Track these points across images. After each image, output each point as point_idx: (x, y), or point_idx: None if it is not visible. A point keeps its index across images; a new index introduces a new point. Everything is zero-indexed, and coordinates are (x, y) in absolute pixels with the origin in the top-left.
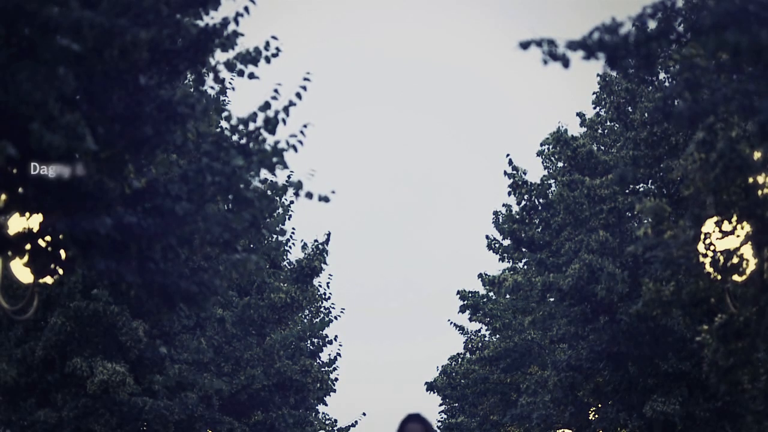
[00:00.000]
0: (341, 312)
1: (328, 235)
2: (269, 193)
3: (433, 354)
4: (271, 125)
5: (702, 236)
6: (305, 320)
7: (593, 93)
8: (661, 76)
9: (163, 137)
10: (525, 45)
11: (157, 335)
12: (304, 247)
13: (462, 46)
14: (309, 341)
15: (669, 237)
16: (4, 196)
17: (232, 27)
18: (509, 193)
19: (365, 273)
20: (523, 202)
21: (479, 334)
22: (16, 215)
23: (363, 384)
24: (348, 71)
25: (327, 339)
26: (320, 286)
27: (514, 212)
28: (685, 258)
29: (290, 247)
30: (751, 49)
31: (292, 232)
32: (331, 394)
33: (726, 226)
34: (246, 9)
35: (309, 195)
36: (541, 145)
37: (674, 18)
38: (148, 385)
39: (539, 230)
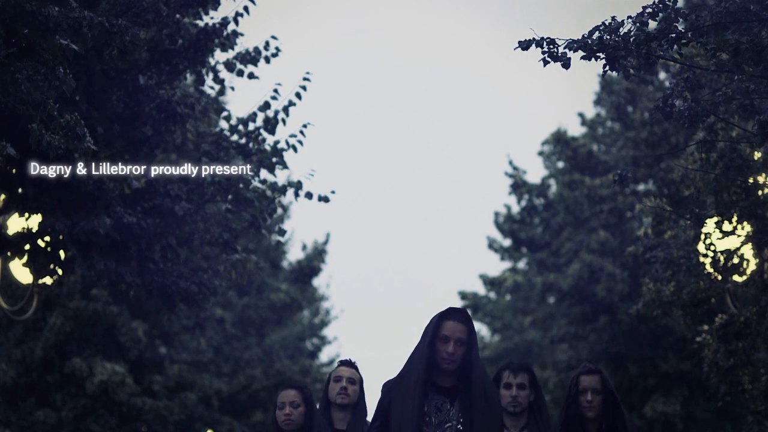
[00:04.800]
0: (341, 312)
1: (328, 235)
2: (269, 193)
3: None
4: (271, 125)
5: (702, 236)
6: (305, 320)
7: (593, 93)
8: (661, 76)
9: (162, 137)
10: (525, 45)
11: (156, 335)
12: (304, 247)
13: (462, 46)
14: (309, 341)
15: (669, 237)
16: (3, 196)
17: (232, 27)
18: (509, 193)
19: (365, 273)
20: (523, 202)
21: (479, 334)
22: (16, 215)
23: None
24: (348, 71)
25: (327, 339)
26: (320, 286)
27: (514, 212)
28: (685, 258)
29: (289, 247)
30: (751, 49)
31: (292, 232)
32: None
33: (726, 226)
34: (246, 9)
35: (309, 195)
36: (541, 145)
37: (674, 18)
38: (147, 386)
39: (539, 230)
